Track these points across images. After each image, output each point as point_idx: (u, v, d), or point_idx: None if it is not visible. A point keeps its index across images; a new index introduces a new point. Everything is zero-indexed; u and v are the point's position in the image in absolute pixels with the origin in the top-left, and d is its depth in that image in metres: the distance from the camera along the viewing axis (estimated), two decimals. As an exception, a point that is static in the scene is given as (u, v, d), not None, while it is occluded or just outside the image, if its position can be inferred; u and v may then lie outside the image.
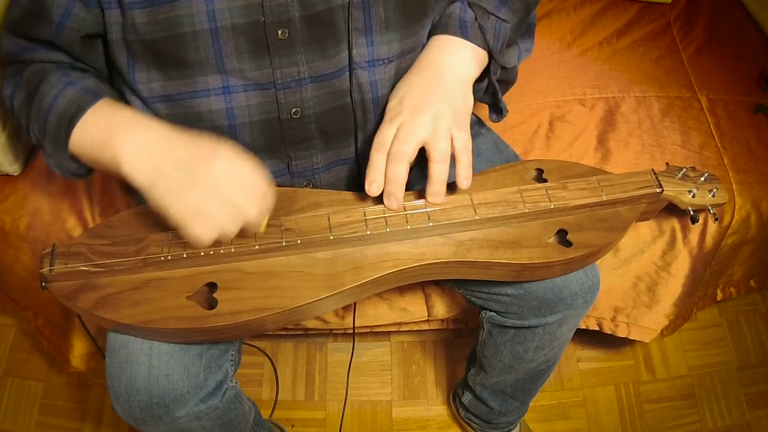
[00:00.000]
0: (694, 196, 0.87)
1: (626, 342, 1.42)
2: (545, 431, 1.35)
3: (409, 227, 0.76)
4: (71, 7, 0.73)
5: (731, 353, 1.45)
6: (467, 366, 1.20)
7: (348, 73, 0.78)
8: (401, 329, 1.35)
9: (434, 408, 1.38)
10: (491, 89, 0.85)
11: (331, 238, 0.76)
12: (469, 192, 0.80)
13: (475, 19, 0.80)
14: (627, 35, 1.39)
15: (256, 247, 0.75)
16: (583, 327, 1.23)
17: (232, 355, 0.88)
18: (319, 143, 0.83)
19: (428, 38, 0.82)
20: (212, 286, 0.75)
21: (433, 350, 1.45)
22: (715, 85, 1.31)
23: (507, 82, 0.89)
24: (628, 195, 0.81)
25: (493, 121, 0.91)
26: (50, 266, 0.74)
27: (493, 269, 0.79)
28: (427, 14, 0.80)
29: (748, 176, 1.16)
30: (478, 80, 0.83)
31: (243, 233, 0.71)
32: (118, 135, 0.69)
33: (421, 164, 0.78)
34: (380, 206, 0.78)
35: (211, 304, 0.73)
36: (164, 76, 0.76)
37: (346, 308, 1.23)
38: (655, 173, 0.84)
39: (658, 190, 0.82)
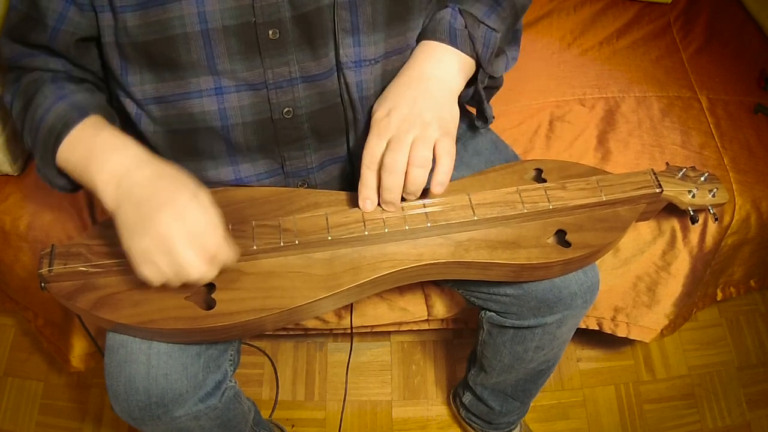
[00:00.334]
0: (693, 196, 0.87)
1: (626, 342, 1.42)
2: (545, 431, 1.35)
3: (407, 228, 0.76)
4: (66, 11, 0.73)
5: (731, 353, 1.45)
6: (468, 366, 1.20)
7: (336, 73, 0.78)
8: (401, 329, 1.35)
9: (434, 408, 1.38)
10: (477, 96, 0.85)
11: (330, 238, 0.76)
12: (468, 192, 0.80)
13: (465, 27, 0.79)
14: (627, 35, 1.39)
15: (254, 247, 0.75)
16: (583, 327, 1.23)
17: (231, 355, 0.89)
18: (312, 143, 0.83)
19: (417, 42, 0.82)
20: (211, 287, 0.75)
21: (433, 350, 1.45)
22: (715, 85, 1.31)
23: (493, 87, 0.88)
24: (628, 195, 0.81)
25: (480, 127, 0.90)
26: (49, 267, 0.74)
27: (491, 270, 0.78)
28: (413, 15, 0.79)
29: (748, 176, 1.16)
30: (465, 87, 0.82)
31: (191, 285, 0.70)
32: (96, 160, 0.70)
33: None
34: (378, 207, 0.78)
35: (210, 305, 0.73)
36: (157, 78, 0.76)
37: (345, 308, 1.23)
38: (654, 173, 0.84)
39: (657, 190, 0.82)
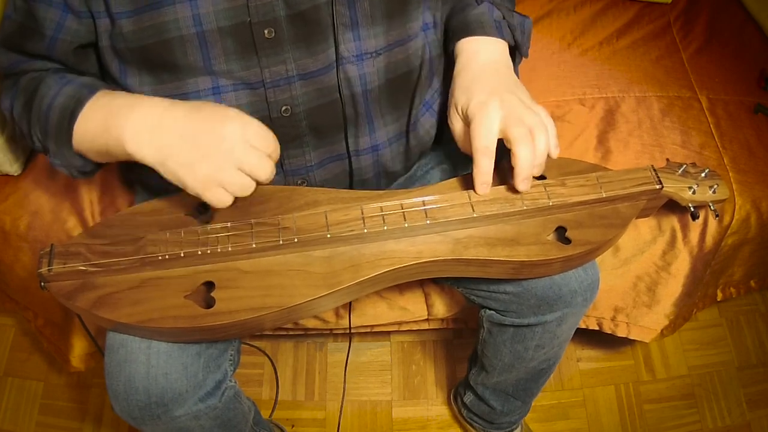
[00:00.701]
0: (694, 193, 0.87)
1: (626, 342, 1.42)
2: (545, 431, 1.35)
3: (406, 225, 0.76)
4: (63, 20, 0.73)
5: (731, 353, 1.45)
6: (468, 366, 1.20)
7: (335, 68, 0.79)
8: (401, 329, 1.35)
9: (434, 408, 1.38)
10: None
11: (329, 236, 0.76)
12: (467, 189, 0.80)
13: (504, 18, 0.84)
14: (627, 35, 1.39)
15: (253, 245, 0.75)
16: (583, 327, 1.23)
17: (231, 355, 0.88)
18: (311, 140, 0.83)
19: (459, 38, 0.85)
20: (210, 285, 0.74)
21: (433, 350, 1.45)
22: (715, 85, 1.31)
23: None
24: (628, 192, 0.81)
25: None
26: (49, 266, 0.74)
27: (491, 267, 0.78)
28: (411, 6, 0.80)
29: (748, 176, 1.16)
30: None
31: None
32: (119, 116, 0.70)
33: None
34: (377, 204, 0.78)
35: (209, 303, 0.73)
36: (155, 80, 0.76)
37: (344, 307, 1.23)
38: (654, 170, 0.84)
39: (657, 187, 0.82)
